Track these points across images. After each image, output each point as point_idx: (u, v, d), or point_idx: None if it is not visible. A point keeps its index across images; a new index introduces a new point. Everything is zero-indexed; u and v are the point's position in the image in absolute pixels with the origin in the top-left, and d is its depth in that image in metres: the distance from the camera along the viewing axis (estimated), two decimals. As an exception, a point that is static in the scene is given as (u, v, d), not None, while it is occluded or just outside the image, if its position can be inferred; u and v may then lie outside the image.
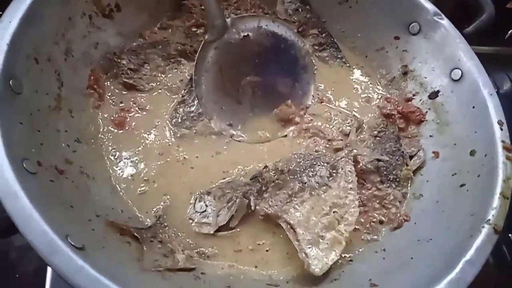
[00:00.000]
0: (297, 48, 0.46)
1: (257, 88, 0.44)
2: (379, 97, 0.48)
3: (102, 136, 0.39)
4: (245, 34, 0.43)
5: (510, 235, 0.50)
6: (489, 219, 0.33)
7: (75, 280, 0.25)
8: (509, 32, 0.88)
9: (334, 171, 0.38)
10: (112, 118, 0.40)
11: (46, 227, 0.26)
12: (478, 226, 0.33)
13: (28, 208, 0.26)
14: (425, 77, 0.46)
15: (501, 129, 0.38)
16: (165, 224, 0.35)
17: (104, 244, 0.30)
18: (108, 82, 0.42)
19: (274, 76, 0.44)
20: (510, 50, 0.78)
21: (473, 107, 0.41)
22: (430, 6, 0.45)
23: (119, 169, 0.38)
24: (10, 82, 0.31)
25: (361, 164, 0.41)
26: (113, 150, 0.39)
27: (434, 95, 0.45)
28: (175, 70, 0.45)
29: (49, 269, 0.45)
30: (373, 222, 0.39)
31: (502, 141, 0.38)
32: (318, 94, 0.46)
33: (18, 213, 0.26)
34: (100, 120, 0.40)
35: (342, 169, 0.39)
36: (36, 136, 0.32)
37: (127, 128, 0.40)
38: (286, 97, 0.44)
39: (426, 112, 0.45)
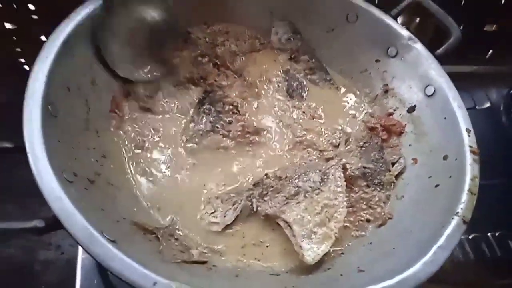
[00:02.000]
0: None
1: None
2: (364, 112, 0.54)
3: (124, 152, 0.45)
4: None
5: (488, 234, 0.56)
6: (458, 212, 0.38)
7: (110, 265, 0.30)
8: (489, 52, 0.95)
9: (325, 177, 0.44)
10: (131, 137, 0.46)
11: (85, 223, 0.32)
12: (449, 218, 0.38)
13: (70, 208, 0.32)
14: (404, 94, 0.52)
15: (469, 136, 0.44)
16: (178, 226, 0.41)
17: (131, 240, 0.35)
18: (127, 107, 0.49)
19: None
20: (491, 69, 0.84)
21: (445, 118, 0.47)
22: (404, 32, 0.52)
23: (139, 180, 0.44)
24: (49, 107, 0.37)
25: (349, 171, 0.47)
26: (133, 165, 0.45)
27: (411, 109, 0.51)
28: (185, 94, 0.52)
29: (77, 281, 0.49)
30: (361, 220, 0.45)
31: (470, 146, 0.43)
32: (310, 110, 0.52)
33: (62, 212, 0.32)
34: (121, 139, 0.46)
35: (332, 175, 0.44)
36: (71, 152, 0.38)
37: (145, 146, 0.46)
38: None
39: (405, 124, 0.51)
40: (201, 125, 0.48)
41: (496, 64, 0.86)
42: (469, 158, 0.42)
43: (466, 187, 0.40)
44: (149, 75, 0.48)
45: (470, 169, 0.42)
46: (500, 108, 0.71)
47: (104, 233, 0.32)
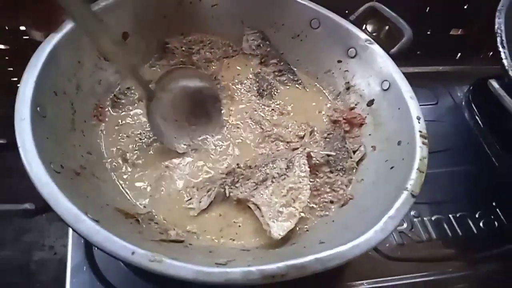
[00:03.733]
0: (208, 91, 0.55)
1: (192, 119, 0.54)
2: (329, 108, 0.59)
3: (105, 150, 0.50)
4: (170, 93, 0.52)
5: (450, 215, 0.60)
6: (407, 187, 0.43)
7: (93, 238, 0.34)
8: (457, 54, 1.01)
9: (290, 164, 0.49)
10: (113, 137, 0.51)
11: (71, 205, 0.36)
12: (400, 193, 0.43)
13: (57, 193, 0.36)
14: (363, 90, 0.57)
15: (419, 123, 0.49)
16: (158, 212, 0.45)
17: (113, 220, 0.40)
18: (109, 112, 0.53)
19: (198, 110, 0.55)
20: (455, 69, 0.89)
21: (399, 108, 0.52)
22: (362, 35, 0.57)
23: (122, 174, 0.48)
24: (38, 108, 0.42)
25: (314, 159, 0.51)
26: (115, 161, 0.49)
27: (370, 103, 0.56)
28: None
29: (68, 278, 0.51)
30: (325, 202, 0.49)
31: (420, 131, 0.48)
32: (279, 108, 0.57)
33: (50, 196, 0.36)
34: (103, 140, 0.51)
35: (297, 162, 0.49)
36: (58, 147, 0.42)
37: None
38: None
39: (365, 117, 0.56)
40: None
41: (460, 65, 0.92)
42: (419, 141, 0.47)
43: (416, 166, 0.45)
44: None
45: (420, 151, 0.46)
46: (462, 103, 0.77)
47: (88, 214, 0.36)
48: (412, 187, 0.43)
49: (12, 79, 0.87)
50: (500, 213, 0.61)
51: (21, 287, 0.62)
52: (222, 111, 0.56)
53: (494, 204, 0.62)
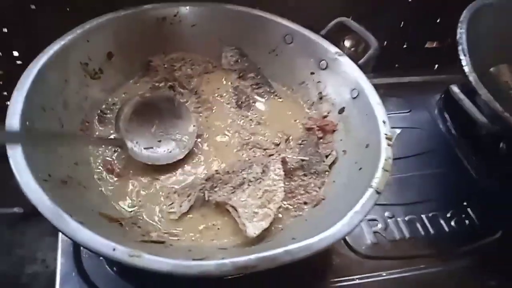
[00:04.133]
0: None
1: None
2: (303, 117, 0.63)
3: (92, 162, 0.53)
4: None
5: (422, 215, 0.63)
6: (372, 185, 0.46)
7: (77, 237, 0.37)
8: (436, 66, 1.06)
9: (266, 168, 0.52)
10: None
11: (57, 209, 0.39)
12: (365, 190, 0.46)
13: (44, 198, 0.39)
14: (335, 99, 0.61)
15: (384, 126, 0.53)
16: (141, 216, 0.48)
17: (98, 225, 0.42)
18: (97, 126, 0.57)
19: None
20: (429, 79, 0.93)
21: (366, 114, 0.55)
22: (332, 48, 0.61)
23: (107, 184, 0.51)
24: (27, 123, 0.45)
25: (289, 164, 0.54)
26: (101, 172, 0.52)
27: (341, 110, 0.60)
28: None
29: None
30: (299, 203, 0.52)
31: (385, 134, 0.51)
32: (256, 118, 0.61)
33: (38, 201, 0.39)
34: (89, 153, 0.54)
35: (272, 166, 0.52)
36: (46, 158, 0.46)
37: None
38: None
39: (337, 124, 0.59)
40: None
41: (436, 75, 0.97)
42: (384, 143, 0.50)
43: (381, 165, 0.48)
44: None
45: (385, 151, 0.49)
46: (435, 111, 0.81)
47: (73, 217, 0.39)
48: (377, 184, 0.46)
49: (6, 102, 0.90)
50: (471, 212, 0.64)
51: (13, 300, 0.64)
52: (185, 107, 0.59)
53: (465, 203, 0.65)
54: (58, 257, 0.53)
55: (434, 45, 1.11)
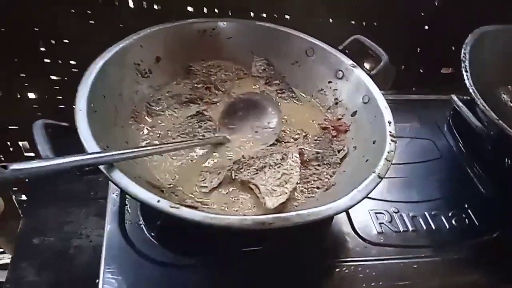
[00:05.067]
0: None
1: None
2: (320, 118, 0.71)
3: (140, 142, 0.63)
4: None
5: (425, 212, 0.70)
6: (375, 170, 0.54)
7: (131, 189, 0.46)
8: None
9: (285, 156, 0.60)
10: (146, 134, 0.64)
11: (117, 170, 0.48)
12: (369, 175, 0.54)
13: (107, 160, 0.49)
14: (348, 104, 0.69)
15: (390, 125, 0.61)
16: (178, 187, 0.57)
17: (145, 188, 0.52)
18: (145, 116, 0.67)
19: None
20: (447, 97, 1.00)
21: (375, 116, 0.63)
22: (347, 60, 0.71)
23: (152, 162, 0.61)
24: (91, 104, 0.55)
25: (305, 155, 0.63)
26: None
27: (354, 114, 0.68)
28: (186, 109, 0.70)
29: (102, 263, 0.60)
30: (313, 187, 0.60)
31: (390, 132, 0.59)
32: (279, 118, 0.70)
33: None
34: (139, 137, 0.64)
35: (290, 155, 0.61)
36: (104, 134, 0.55)
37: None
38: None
39: (350, 125, 0.68)
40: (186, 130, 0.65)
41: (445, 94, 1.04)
42: (388, 139, 0.58)
43: (384, 156, 0.56)
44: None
45: (388, 146, 0.57)
46: (444, 126, 0.88)
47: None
48: (379, 170, 0.54)
49: (59, 106, 1.03)
50: (471, 213, 0.70)
51: (62, 268, 0.73)
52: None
53: (466, 206, 0.72)
54: (106, 224, 0.62)
55: (449, 71, 1.19)
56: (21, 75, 0.96)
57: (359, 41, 0.73)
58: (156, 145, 0.61)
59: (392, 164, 0.55)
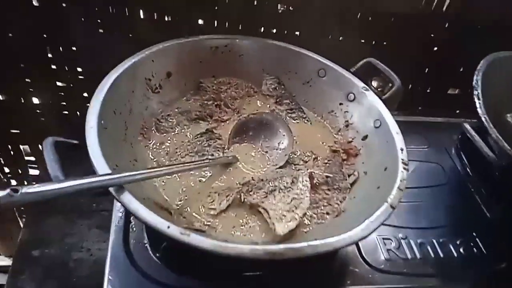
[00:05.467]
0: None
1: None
2: (330, 140, 0.71)
3: (148, 160, 0.62)
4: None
5: (433, 239, 0.69)
6: (388, 200, 0.53)
7: (140, 214, 0.45)
8: (457, 111, 1.13)
9: (295, 179, 0.60)
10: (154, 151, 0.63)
11: (126, 192, 0.47)
12: (381, 204, 0.53)
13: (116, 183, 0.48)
14: (359, 127, 0.69)
15: (402, 152, 0.60)
16: (187, 209, 0.56)
17: (152, 209, 0.51)
18: (154, 132, 0.66)
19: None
20: (455, 121, 0.99)
21: (387, 141, 0.63)
22: (359, 83, 0.70)
23: (160, 181, 0.60)
24: (102, 121, 0.55)
25: (315, 179, 0.62)
26: (155, 170, 0.61)
27: (365, 137, 0.67)
28: (195, 127, 0.69)
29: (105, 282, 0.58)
30: (322, 213, 0.59)
31: (402, 159, 0.59)
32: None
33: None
34: (147, 155, 0.63)
35: (300, 178, 0.60)
36: (114, 152, 0.55)
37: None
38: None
39: (360, 149, 0.67)
40: (195, 148, 0.65)
41: (453, 117, 1.03)
42: (400, 167, 0.57)
43: (397, 185, 0.55)
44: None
45: (401, 174, 0.56)
46: (452, 150, 0.87)
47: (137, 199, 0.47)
48: (392, 200, 0.53)
49: (64, 112, 1.03)
50: (479, 242, 0.70)
51: (62, 279, 0.72)
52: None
53: (474, 234, 0.71)
54: (110, 241, 0.61)
55: (456, 92, 1.18)
56: (26, 80, 0.95)
57: (371, 64, 0.72)
58: (165, 166, 0.59)
59: (402, 190, 0.55)
